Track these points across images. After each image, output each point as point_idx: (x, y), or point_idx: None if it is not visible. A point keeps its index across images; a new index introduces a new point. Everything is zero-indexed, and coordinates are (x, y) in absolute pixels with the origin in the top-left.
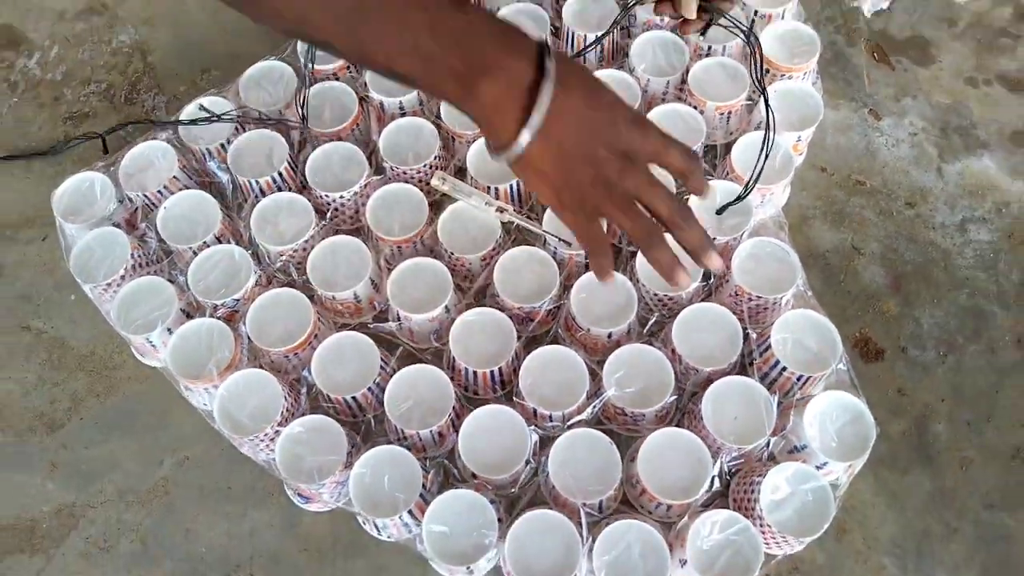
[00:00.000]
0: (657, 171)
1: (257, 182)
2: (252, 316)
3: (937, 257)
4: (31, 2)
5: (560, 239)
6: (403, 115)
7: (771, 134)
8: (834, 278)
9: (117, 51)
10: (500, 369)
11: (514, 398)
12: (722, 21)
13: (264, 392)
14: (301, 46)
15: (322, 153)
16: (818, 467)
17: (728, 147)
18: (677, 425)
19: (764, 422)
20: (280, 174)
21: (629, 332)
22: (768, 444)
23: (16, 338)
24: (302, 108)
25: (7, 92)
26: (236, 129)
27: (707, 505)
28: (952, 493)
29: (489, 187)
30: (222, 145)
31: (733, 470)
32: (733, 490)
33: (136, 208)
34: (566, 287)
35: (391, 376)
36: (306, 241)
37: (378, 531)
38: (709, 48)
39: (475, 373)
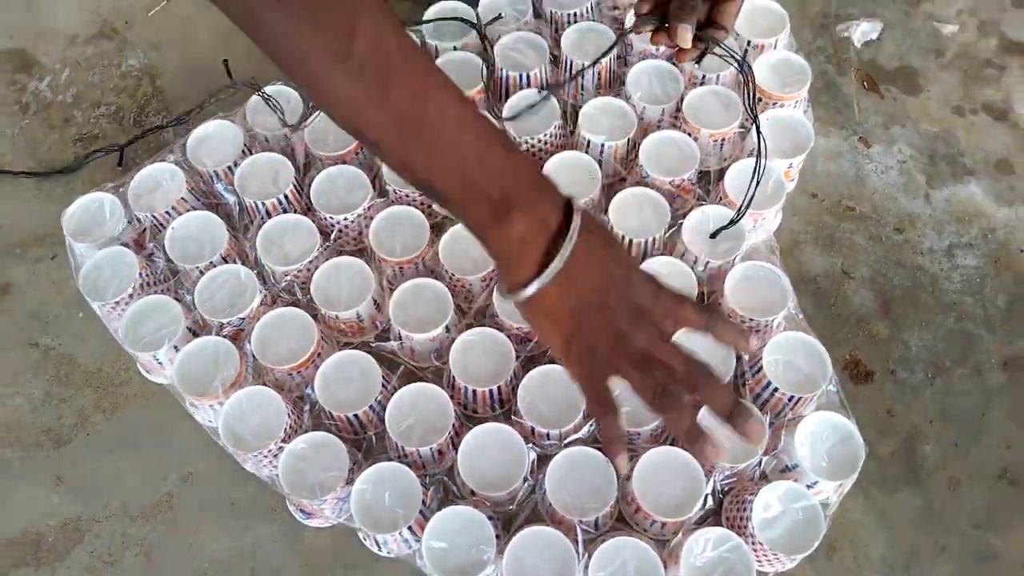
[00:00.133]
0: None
1: (263, 204)
2: (257, 335)
3: (925, 282)
4: (43, 26)
5: None
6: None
7: (763, 161)
8: (825, 301)
9: (127, 74)
10: (499, 388)
11: (512, 417)
12: (716, 51)
13: (268, 409)
14: None
15: (327, 176)
16: (809, 486)
17: (721, 173)
18: (671, 444)
19: None
20: (286, 196)
21: None
22: (760, 463)
23: (25, 354)
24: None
25: (19, 113)
26: (243, 152)
27: (700, 523)
28: (940, 512)
29: None
30: (229, 168)
31: (726, 489)
32: (726, 508)
33: (144, 228)
34: None
35: (392, 394)
36: (310, 262)
37: (378, 547)
38: (703, 77)
39: (474, 392)
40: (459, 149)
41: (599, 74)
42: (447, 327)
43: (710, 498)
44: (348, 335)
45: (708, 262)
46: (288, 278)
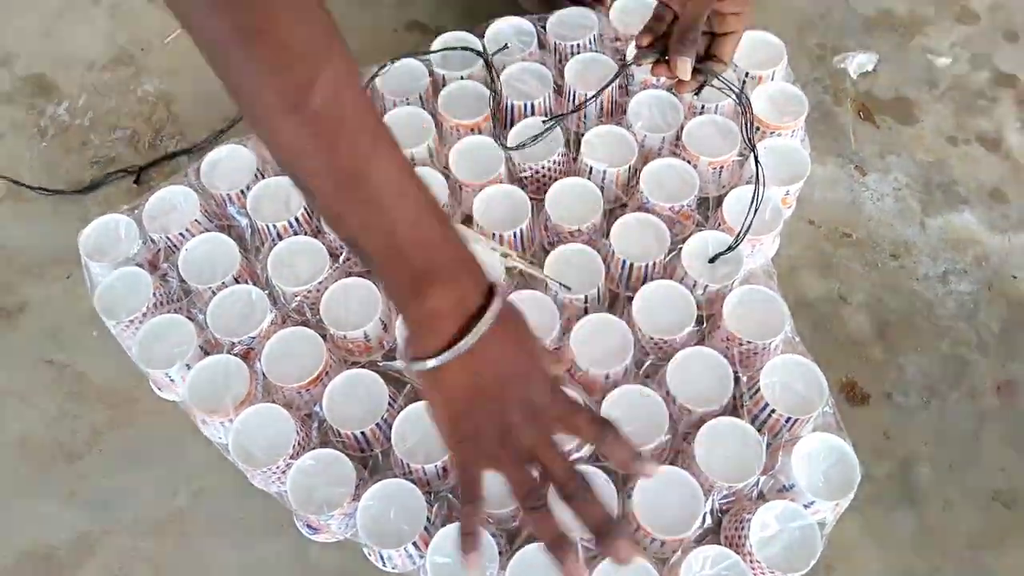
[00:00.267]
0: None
1: (275, 226)
2: (267, 353)
3: (920, 307)
4: (62, 53)
5: (560, 284)
6: (414, 165)
7: (761, 188)
8: (822, 325)
9: (142, 100)
10: None
11: None
12: (715, 83)
13: (277, 426)
14: None
15: None
16: (806, 506)
17: (720, 200)
18: (671, 464)
19: (754, 462)
20: (297, 219)
21: (625, 374)
22: (758, 483)
23: (40, 372)
24: None
25: (37, 137)
26: (256, 176)
27: (699, 541)
28: (935, 533)
29: (494, 234)
30: (242, 191)
31: (724, 508)
32: (725, 527)
33: (159, 249)
34: (566, 329)
35: (398, 412)
36: (320, 283)
37: (383, 562)
38: (703, 107)
39: None
40: (393, 214)
41: (601, 103)
42: None
43: (709, 517)
44: (356, 354)
45: (707, 286)
46: (298, 298)
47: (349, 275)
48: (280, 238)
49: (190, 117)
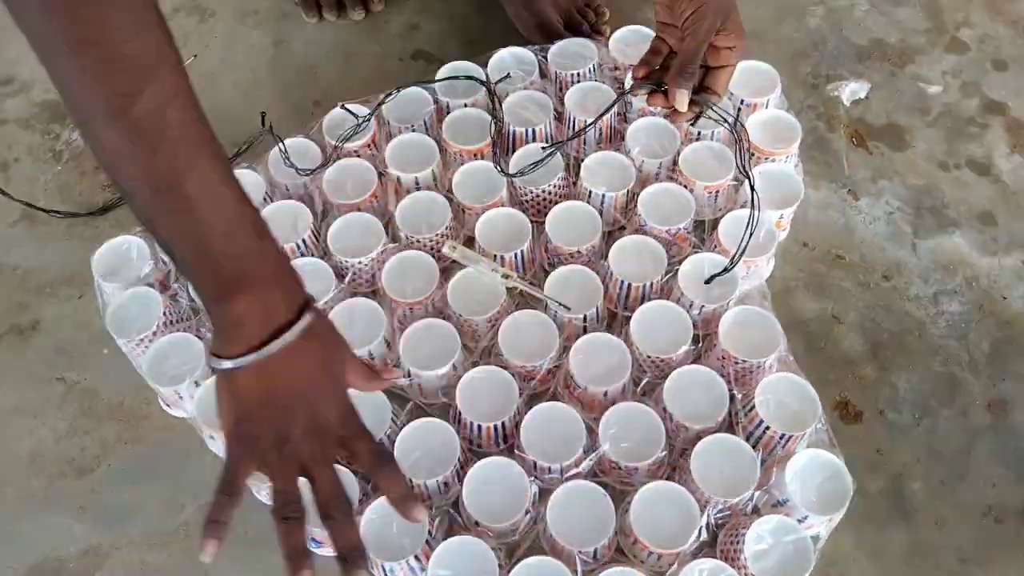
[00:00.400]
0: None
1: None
2: None
3: (912, 327)
4: None
5: (560, 304)
6: (418, 189)
7: (756, 212)
8: (815, 345)
9: None
10: (503, 424)
11: (515, 451)
12: (710, 113)
13: None
14: (329, 123)
15: (343, 223)
16: (800, 520)
17: (716, 223)
18: (668, 479)
19: (749, 477)
20: (304, 241)
21: (624, 391)
22: (753, 498)
23: (51, 388)
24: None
25: (52, 161)
26: (265, 199)
27: (696, 555)
28: (928, 547)
29: (496, 255)
30: None
31: (720, 522)
32: (720, 541)
33: (169, 270)
34: (565, 348)
35: (401, 429)
36: (326, 302)
37: (385, 575)
38: (699, 133)
39: (480, 427)
40: (205, 224)
41: (600, 130)
42: (454, 365)
43: (704, 531)
44: None
45: (703, 306)
46: None
47: (354, 295)
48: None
49: None
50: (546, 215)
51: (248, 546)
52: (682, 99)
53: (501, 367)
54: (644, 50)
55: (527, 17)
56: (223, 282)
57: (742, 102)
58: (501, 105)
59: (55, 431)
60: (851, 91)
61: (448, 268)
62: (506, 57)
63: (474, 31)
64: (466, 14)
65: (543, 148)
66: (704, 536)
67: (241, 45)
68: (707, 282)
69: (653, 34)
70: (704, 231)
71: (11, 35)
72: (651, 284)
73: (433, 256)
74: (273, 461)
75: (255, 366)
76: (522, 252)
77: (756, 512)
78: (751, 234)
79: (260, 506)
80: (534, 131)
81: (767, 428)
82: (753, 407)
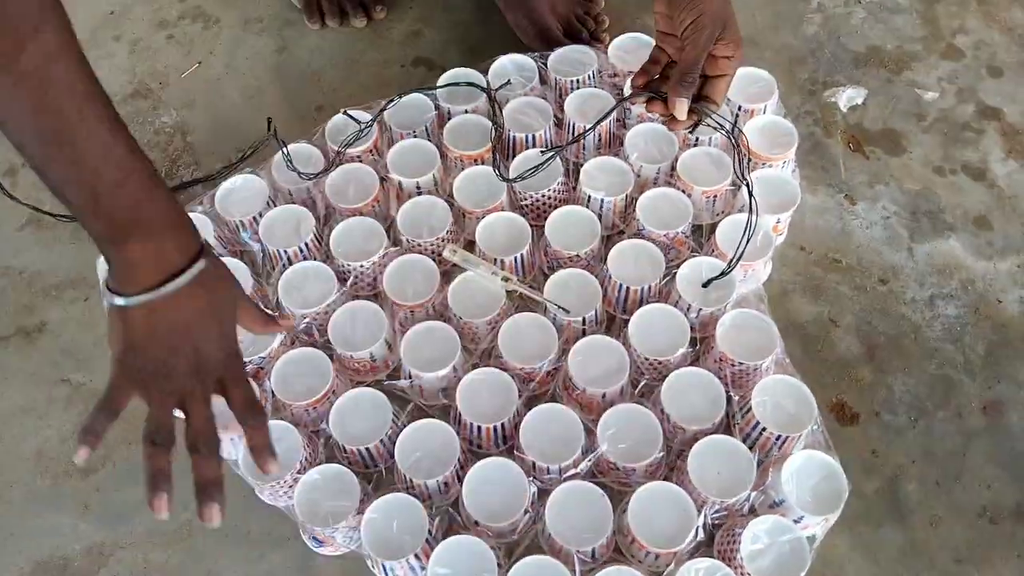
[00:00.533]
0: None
1: (285, 252)
2: (277, 373)
3: (908, 330)
4: None
5: (559, 307)
6: (419, 194)
7: (753, 217)
8: (812, 347)
9: (159, 131)
10: (503, 425)
11: (515, 452)
12: (708, 120)
13: (285, 442)
14: (332, 129)
15: (345, 227)
16: (795, 520)
17: (713, 227)
18: (665, 480)
19: (745, 478)
20: (306, 244)
21: (622, 393)
22: (749, 498)
23: (57, 390)
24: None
25: None
26: (268, 204)
27: (693, 554)
28: (923, 548)
29: (496, 259)
30: (255, 218)
31: (717, 522)
32: (717, 541)
33: None
34: (564, 350)
35: (402, 430)
36: (328, 305)
37: (386, 573)
38: (696, 139)
39: (479, 428)
40: (95, 173)
41: (599, 135)
42: (454, 367)
43: (701, 531)
44: (362, 374)
45: (700, 309)
46: (307, 320)
47: (356, 298)
48: (291, 263)
49: (205, 148)
50: (546, 219)
51: (251, 546)
52: (681, 108)
53: (501, 369)
54: (643, 57)
55: (527, 25)
56: (115, 229)
57: (740, 108)
58: (501, 111)
59: (60, 431)
60: (848, 97)
61: (449, 271)
62: (506, 64)
63: (475, 38)
64: (467, 22)
65: (542, 153)
66: (701, 536)
67: (245, 52)
68: (705, 285)
69: (652, 41)
70: (702, 235)
71: None
72: (649, 287)
73: (434, 260)
74: (153, 392)
75: (145, 305)
76: (522, 256)
77: (752, 512)
78: (749, 238)
79: (261, 506)
80: (534, 137)
81: (764, 429)
82: (750, 409)
